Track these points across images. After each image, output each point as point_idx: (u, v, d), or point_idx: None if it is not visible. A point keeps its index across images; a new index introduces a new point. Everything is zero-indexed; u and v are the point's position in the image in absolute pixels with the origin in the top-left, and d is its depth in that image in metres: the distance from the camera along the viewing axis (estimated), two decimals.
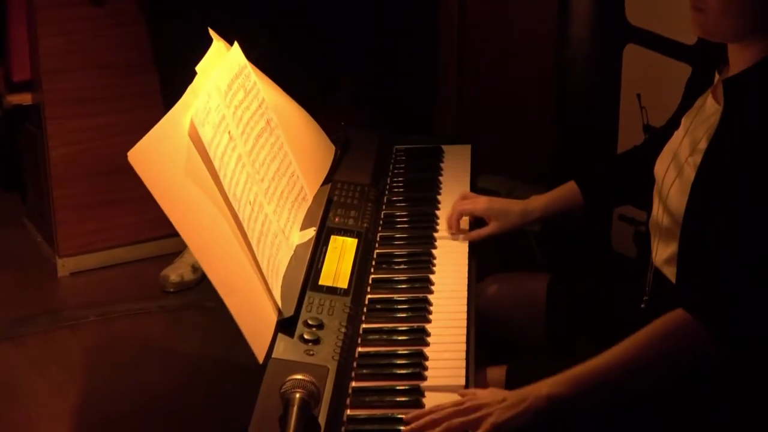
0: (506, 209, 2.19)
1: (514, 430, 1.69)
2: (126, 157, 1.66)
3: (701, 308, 1.73)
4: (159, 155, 1.72)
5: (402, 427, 1.65)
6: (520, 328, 2.19)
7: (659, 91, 2.73)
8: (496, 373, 1.96)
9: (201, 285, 3.34)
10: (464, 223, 2.20)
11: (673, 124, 2.00)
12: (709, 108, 1.88)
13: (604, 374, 1.74)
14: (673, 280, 1.90)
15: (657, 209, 1.96)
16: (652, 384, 1.78)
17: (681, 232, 1.85)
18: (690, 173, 1.85)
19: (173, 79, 2.74)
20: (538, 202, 2.20)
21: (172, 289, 3.35)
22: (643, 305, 1.98)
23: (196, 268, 3.33)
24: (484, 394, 1.72)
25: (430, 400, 1.71)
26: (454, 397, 1.72)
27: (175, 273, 3.35)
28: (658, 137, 2.05)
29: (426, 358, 1.80)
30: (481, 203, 2.20)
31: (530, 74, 3.34)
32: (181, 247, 3.39)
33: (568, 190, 2.20)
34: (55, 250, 3.47)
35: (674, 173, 1.90)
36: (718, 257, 1.75)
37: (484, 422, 1.68)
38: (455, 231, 2.17)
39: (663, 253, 1.94)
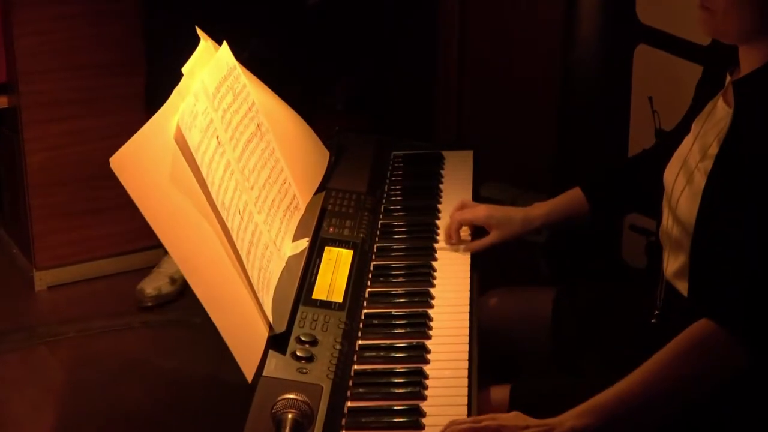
0: (508, 217, 2.19)
1: None
2: (108, 163, 1.66)
3: (728, 316, 1.73)
4: (143, 161, 1.72)
5: None
6: (525, 345, 2.19)
7: (672, 94, 2.73)
8: (500, 392, 1.96)
9: (186, 299, 3.33)
10: (464, 233, 2.20)
11: (682, 128, 2.00)
12: (720, 111, 1.88)
13: (630, 400, 1.72)
14: (685, 294, 1.90)
15: (667, 219, 1.96)
16: (684, 404, 1.76)
17: (692, 243, 1.85)
18: (700, 180, 1.85)
19: (161, 80, 2.76)
20: (540, 209, 2.21)
21: (150, 303, 3.31)
22: (654, 320, 1.98)
23: (174, 280, 3.28)
24: (505, 417, 1.72)
25: (430, 420, 1.71)
26: (455, 418, 1.71)
27: (151, 286, 3.30)
28: (667, 142, 2.05)
29: (426, 377, 1.80)
30: (481, 211, 2.20)
31: (535, 76, 3.34)
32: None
33: (572, 196, 2.21)
34: (32, 262, 3.46)
35: (684, 181, 1.91)
36: (736, 264, 1.75)
37: None
38: (455, 241, 2.17)
39: (673, 264, 1.94)
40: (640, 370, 1.74)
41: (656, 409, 1.74)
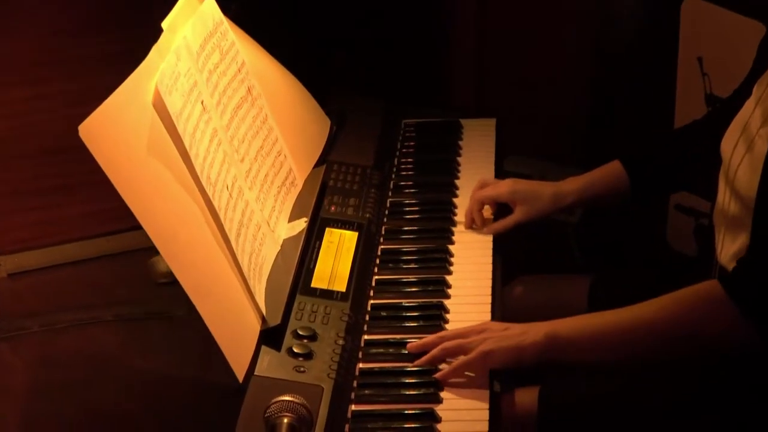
0: (535, 192, 2.20)
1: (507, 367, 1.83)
2: (76, 133, 1.66)
3: (735, 284, 1.78)
4: (116, 129, 1.72)
5: None
6: None
7: (725, 55, 2.72)
8: (527, 395, 1.97)
9: (167, 288, 3.33)
10: (487, 212, 2.20)
11: (743, 92, 2.00)
12: None
13: (612, 328, 1.83)
14: None
15: (723, 195, 1.96)
16: (659, 356, 1.84)
17: (754, 218, 1.86)
18: (762, 147, 1.85)
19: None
20: (573, 184, 2.21)
21: (164, 279, 3.31)
22: None
23: None
24: (492, 323, 1.89)
25: (446, 427, 1.72)
26: (474, 426, 1.74)
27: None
28: (724, 109, 2.05)
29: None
30: (504, 186, 2.20)
31: (567, 34, 3.33)
32: (146, 243, 3.38)
33: (610, 170, 2.21)
34: None
35: (744, 149, 1.90)
36: None
37: (477, 348, 1.81)
38: (479, 225, 2.18)
39: (730, 247, 1.94)
40: (637, 306, 1.83)
41: (630, 349, 1.83)
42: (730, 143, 1.95)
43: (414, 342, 1.86)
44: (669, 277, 2.20)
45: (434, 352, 1.83)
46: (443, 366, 1.82)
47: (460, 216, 2.22)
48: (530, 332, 1.83)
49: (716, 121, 2.05)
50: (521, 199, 2.19)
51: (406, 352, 1.86)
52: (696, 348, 1.82)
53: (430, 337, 1.86)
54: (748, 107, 1.95)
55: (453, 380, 1.80)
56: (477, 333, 1.84)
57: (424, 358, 1.83)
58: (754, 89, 1.95)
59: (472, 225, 2.19)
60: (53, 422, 2.84)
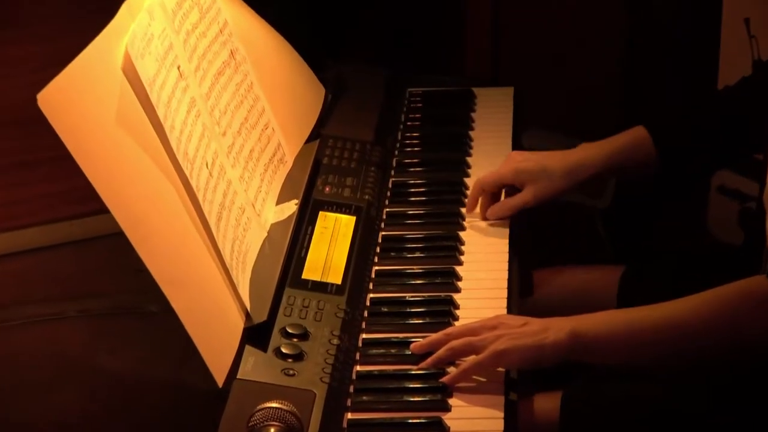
0: (544, 167, 2.16)
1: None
2: (36, 101, 1.66)
3: None
4: (80, 98, 1.71)
5: None
6: None
7: None
8: (548, 401, 1.98)
9: (138, 281, 3.33)
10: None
11: None
12: None
13: (644, 326, 1.81)
14: None
15: None
16: (695, 359, 1.83)
17: None
18: None
19: None
20: (593, 153, 2.17)
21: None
22: None
23: None
24: (506, 316, 1.87)
25: None
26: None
27: None
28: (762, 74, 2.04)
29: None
30: (505, 166, 2.17)
31: None
32: (116, 228, 3.38)
33: (634, 138, 2.17)
34: None
35: None
36: None
37: (489, 347, 1.79)
38: (483, 216, 2.16)
39: None
40: (673, 303, 1.81)
41: (670, 351, 1.82)
42: None
43: (418, 341, 1.85)
44: (710, 270, 2.20)
45: (440, 352, 1.82)
46: (451, 368, 1.82)
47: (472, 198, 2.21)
48: (551, 329, 1.81)
49: (764, 86, 2.04)
50: (529, 179, 2.15)
51: (410, 353, 1.85)
52: (737, 351, 1.81)
53: (435, 336, 1.84)
54: None
55: (462, 384, 1.80)
56: (489, 329, 1.83)
57: (429, 360, 1.82)
58: None
59: (471, 212, 2.16)
60: (11, 426, 2.85)
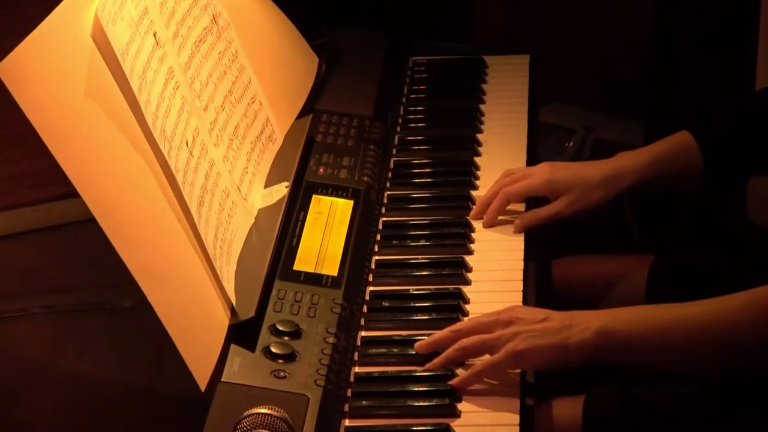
0: (581, 178, 2.16)
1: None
2: None
3: None
4: (46, 69, 1.72)
5: None
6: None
7: None
8: (569, 407, 1.98)
9: (110, 274, 3.33)
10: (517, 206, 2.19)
11: None
12: None
13: (681, 325, 1.81)
14: None
15: None
16: (738, 364, 1.83)
17: None
18: None
19: None
20: (631, 161, 2.18)
21: None
22: None
23: None
24: (522, 309, 1.87)
25: None
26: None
27: None
28: None
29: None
30: (538, 176, 2.17)
31: None
32: (81, 214, 3.39)
33: (680, 144, 2.18)
34: None
35: None
36: None
37: (506, 346, 1.79)
38: (490, 224, 2.14)
39: None
40: (713, 302, 1.81)
41: (708, 354, 1.82)
42: None
43: (423, 340, 1.86)
44: (750, 259, 2.21)
45: (449, 352, 1.83)
46: (461, 370, 1.82)
47: (484, 180, 2.22)
48: (576, 326, 1.81)
49: None
50: (564, 189, 2.15)
51: (414, 352, 1.86)
52: None
53: (442, 333, 1.85)
54: None
55: (473, 387, 1.80)
56: (504, 325, 1.83)
57: (436, 361, 1.83)
58: None
59: (484, 223, 2.14)
60: None
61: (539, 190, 2.17)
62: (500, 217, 2.14)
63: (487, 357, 1.81)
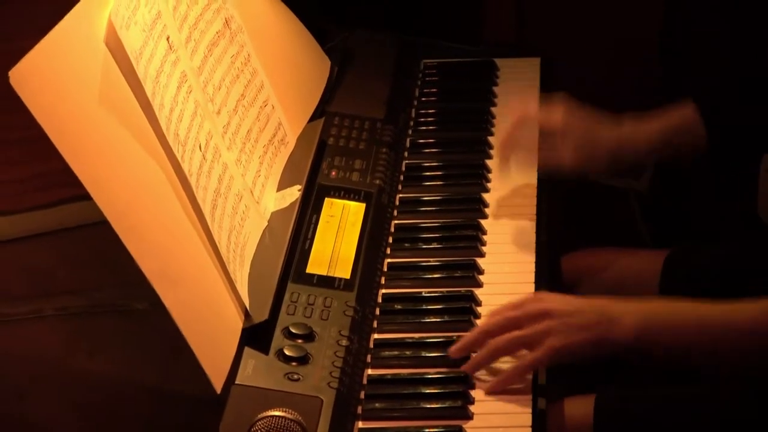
0: (592, 138, 2.16)
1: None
2: (7, 78, 1.66)
3: None
4: (58, 75, 1.72)
5: None
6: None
7: None
8: (580, 406, 1.99)
9: (123, 276, 3.33)
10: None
11: None
12: None
13: (717, 331, 1.80)
14: None
15: None
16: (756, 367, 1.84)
17: None
18: None
19: None
20: (641, 129, 2.18)
21: None
22: None
23: None
24: (551, 298, 1.86)
25: None
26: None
27: None
28: None
29: (472, 386, 1.82)
30: (557, 113, 2.16)
31: None
32: (98, 217, 3.39)
33: (683, 116, 2.19)
34: None
35: None
36: None
37: (544, 342, 1.79)
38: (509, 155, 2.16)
39: None
40: (745, 306, 1.80)
41: (730, 358, 1.82)
42: None
43: (454, 345, 1.85)
44: (762, 258, 2.21)
45: (482, 356, 1.82)
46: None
47: (495, 182, 2.23)
48: (613, 321, 1.80)
49: None
50: (573, 144, 2.15)
51: (426, 355, 1.87)
52: None
53: (471, 335, 1.84)
54: None
55: (486, 389, 1.81)
56: (535, 319, 1.82)
57: (469, 364, 1.83)
58: None
59: (505, 152, 2.17)
60: None
61: (555, 130, 2.17)
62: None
63: (526, 355, 1.81)
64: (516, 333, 1.81)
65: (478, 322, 1.93)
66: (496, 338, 1.82)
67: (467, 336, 1.85)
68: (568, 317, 1.81)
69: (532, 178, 2.21)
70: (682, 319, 1.83)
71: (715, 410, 1.99)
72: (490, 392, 1.79)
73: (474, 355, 1.84)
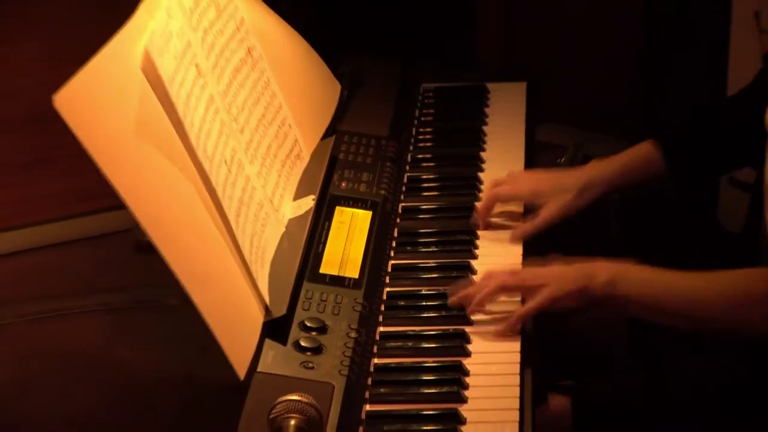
0: (561, 185, 2.17)
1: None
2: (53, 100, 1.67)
3: None
4: (99, 99, 1.72)
5: None
6: (595, 332, 2.20)
7: None
8: (561, 399, 1.98)
9: (157, 275, 3.33)
10: (517, 206, 2.19)
11: None
12: None
13: (677, 297, 1.90)
14: None
15: None
16: (729, 332, 1.91)
17: None
18: None
19: None
20: (600, 171, 2.19)
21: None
22: None
23: None
24: (542, 269, 1.95)
25: (471, 429, 1.73)
26: (503, 428, 1.74)
27: None
28: (762, 79, 2.05)
29: (465, 373, 1.82)
30: (524, 184, 2.18)
31: None
32: (132, 223, 3.38)
33: (643, 154, 2.19)
34: None
35: None
36: None
37: (540, 291, 1.90)
38: (484, 226, 2.16)
39: None
40: (704, 277, 1.91)
41: (687, 319, 1.91)
42: None
43: (453, 297, 1.93)
44: (720, 259, 2.20)
45: (485, 293, 1.91)
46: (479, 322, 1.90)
47: (486, 193, 2.21)
48: (595, 276, 1.90)
49: (758, 91, 2.05)
50: (546, 199, 2.16)
51: (426, 345, 1.87)
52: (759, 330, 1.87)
53: (473, 288, 1.94)
54: None
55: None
56: (531, 278, 1.92)
57: (476, 300, 1.91)
58: None
59: (480, 226, 2.16)
60: (29, 421, 2.85)
61: (524, 197, 2.19)
62: (500, 223, 2.15)
63: (530, 301, 1.91)
64: (517, 282, 1.92)
65: (473, 317, 1.93)
66: (502, 281, 1.92)
67: (469, 289, 1.93)
68: (558, 274, 1.91)
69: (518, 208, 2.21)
70: (648, 277, 1.91)
71: (690, 397, 1.98)
72: (498, 335, 1.88)
73: (477, 294, 1.92)
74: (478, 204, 2.19)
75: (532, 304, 1.89)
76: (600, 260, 1.93)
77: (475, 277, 2.01)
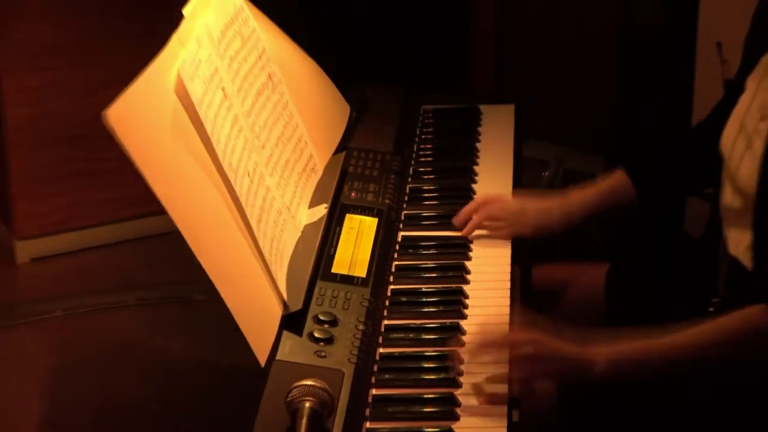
0: (545, 212, 2.15)
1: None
2: (99, 119, 1.66)
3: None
4: (141, 116, 1.73)
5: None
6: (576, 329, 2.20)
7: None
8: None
9: (188, 273, 3.33)
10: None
11: (736, 89, 2.00)
12: None
13: (660, 361, 1.79)
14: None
15: (727, 192, 1.96)
16: (719, 383, 1.83)
17: (754, 215, 1.86)
18: (760, 144, 1.86)
19: None
20: (579, 200, 2.17)
21: None
22: (712, 308, 1.98)
23: None
24: (541, 356, 1.80)
25: (466, 411, 1.73)
26: (493, 411, 1.73)
27: None
28: (721, 107, 2.05)
29: (461, 361, 1.81)
30: (513, 205, 2.17)
31: (588, 18, 3.33)
32: (166, 228, 3.39)
33: (617, 183, 2.18)
34: (13, 231, 3.48)
35: (743, 146, 1.90)
36: None
37: (538, 378, 1.81)
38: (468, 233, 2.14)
39: (738, 241, 1.93)
40: (682, 336, 1.78)
41: (678, 379, 1.82)
42: (729, 140, 1.95)
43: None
44: (687, 264, 2.20)
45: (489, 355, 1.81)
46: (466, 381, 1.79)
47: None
48: (587, 370, 1.78)
49: (714, 120, 2.05)
50: (529, 221, 2.14)
51: (426, 337, 1.87)
52: (753, 371, 1.82)
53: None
54: (744, 102, 1.94)
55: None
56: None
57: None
58: (748, 83, 1.95)
59: (464, 232, 2.13)
60: (75, 405, 2.86)
61: (510, 211, 2.16)
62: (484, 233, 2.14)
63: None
64: (519, 367, 1.79)
65: (467, 311, 1.93)
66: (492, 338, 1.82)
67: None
68: (556, 368, 1.81)
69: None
70: (644, 349, 1.81)
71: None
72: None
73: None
74: (478, 192, 2.21)
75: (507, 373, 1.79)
76: (589, 335, 1.82)
77: (469, 277, 2.01)
